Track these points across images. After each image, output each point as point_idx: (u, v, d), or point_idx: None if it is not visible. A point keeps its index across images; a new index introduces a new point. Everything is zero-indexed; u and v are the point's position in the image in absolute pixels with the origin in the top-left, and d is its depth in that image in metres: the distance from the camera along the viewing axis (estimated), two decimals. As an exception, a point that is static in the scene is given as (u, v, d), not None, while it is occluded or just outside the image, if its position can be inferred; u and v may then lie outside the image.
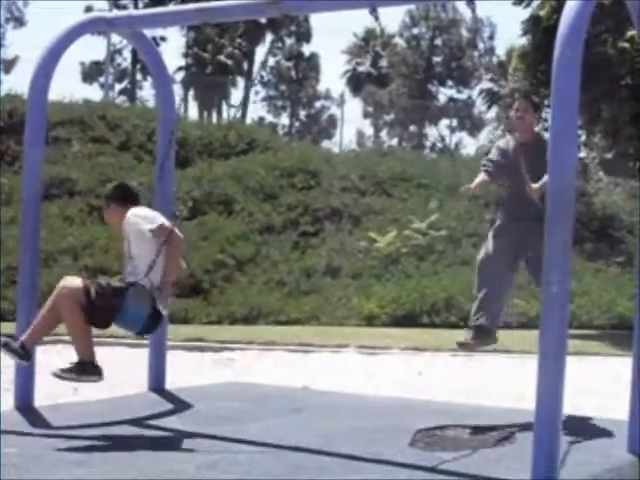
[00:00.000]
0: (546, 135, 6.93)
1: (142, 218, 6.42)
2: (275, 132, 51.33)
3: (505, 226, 7.01)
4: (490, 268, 6.90)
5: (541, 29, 18.51)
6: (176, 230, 6.33)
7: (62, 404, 7.93)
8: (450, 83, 75.67)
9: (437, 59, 75.85)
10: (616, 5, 16.73)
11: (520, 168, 6.80)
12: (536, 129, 7.05)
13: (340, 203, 25.04)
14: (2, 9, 60.65)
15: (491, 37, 75.08)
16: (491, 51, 73.97)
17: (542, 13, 18.62)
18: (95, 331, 6.40)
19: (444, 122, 75.11)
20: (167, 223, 6.35)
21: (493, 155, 7.17)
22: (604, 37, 18.47)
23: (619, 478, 5.39)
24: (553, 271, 4.88)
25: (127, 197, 6.74)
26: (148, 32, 7.61)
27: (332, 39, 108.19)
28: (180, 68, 66.57)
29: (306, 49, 75.93)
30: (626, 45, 17.87)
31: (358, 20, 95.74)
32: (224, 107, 66.19)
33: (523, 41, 21.64)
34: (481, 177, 7.08)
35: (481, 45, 71.37)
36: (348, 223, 24.64)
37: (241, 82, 68.90)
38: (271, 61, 76.42)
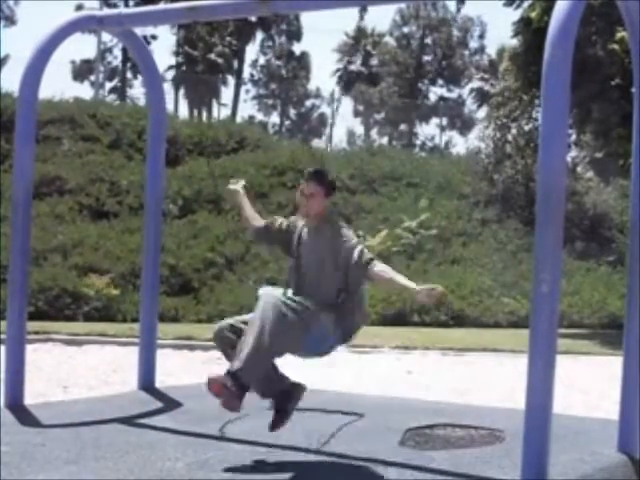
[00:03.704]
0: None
1: None
2: (265, 131, 51.34)
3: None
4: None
5: (532, 31, 18.56)
6: None
7: (52, 402, 7.91)
8: (440, 82, 75.73)
9: (427, 58, 75.89)
10: (606, 7, 16.80)
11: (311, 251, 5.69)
12: (325, 213, 5.79)
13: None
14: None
15: (481, 36, 75.22)
16: (481, 50, 74.20)
17: (533, 15, 18.67)
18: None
19: (434, 121, 75.29)
20: None
21: (280, 220, 5.95)
22: (594, 38, 18.53)
23: (609, 477, 5.40)
24: (543, 270, 4.87)
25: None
26: (138, 30, 7.60)
27: (323, 38, 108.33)
28: (171, 66, 66.52)
29: (296, 48, 76.02)
30: (616, 46, 17.92)
31: (349, 19, 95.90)
32: (214, 105, 66.14)
33: (514, 42, 21.72)
34: (257, 223, 5.99)
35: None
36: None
37: (231, 80, 68.86)
38: (261, 59, 76.47)
